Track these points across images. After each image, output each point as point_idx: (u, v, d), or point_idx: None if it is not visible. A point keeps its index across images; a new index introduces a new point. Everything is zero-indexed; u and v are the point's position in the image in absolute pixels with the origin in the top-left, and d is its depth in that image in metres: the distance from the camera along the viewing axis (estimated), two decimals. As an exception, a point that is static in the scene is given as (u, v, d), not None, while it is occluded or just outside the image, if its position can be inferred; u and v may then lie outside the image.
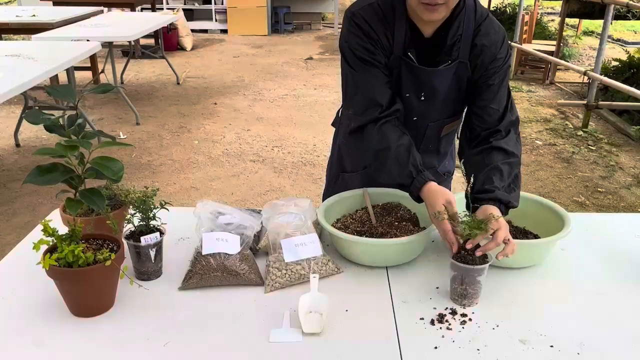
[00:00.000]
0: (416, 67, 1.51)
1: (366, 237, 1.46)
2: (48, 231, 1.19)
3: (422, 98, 1.56)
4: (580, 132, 5.44)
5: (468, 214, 1.35)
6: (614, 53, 8.41)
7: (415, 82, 1.53)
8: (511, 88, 5.63)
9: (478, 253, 1.29)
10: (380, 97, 1.50)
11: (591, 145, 5.13)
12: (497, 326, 1.23)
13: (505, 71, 1.56)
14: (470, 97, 1.58)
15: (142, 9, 8.87)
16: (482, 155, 1.51)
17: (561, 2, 7.55)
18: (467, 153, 1.57)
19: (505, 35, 1.57)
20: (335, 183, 1.85)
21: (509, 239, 1.32)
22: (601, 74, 5.51)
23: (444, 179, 1.85)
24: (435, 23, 1.47)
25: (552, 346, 1.17)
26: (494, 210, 1.36)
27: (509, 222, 1.59)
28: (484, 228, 1.28)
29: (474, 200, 1.43)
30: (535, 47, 7.34)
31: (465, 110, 1.64)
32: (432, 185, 1.42)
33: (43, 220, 1.21)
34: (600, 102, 5.58)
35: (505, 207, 1.42)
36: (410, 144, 1.48)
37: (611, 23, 5.49)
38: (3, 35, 6.17)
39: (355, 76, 1.53)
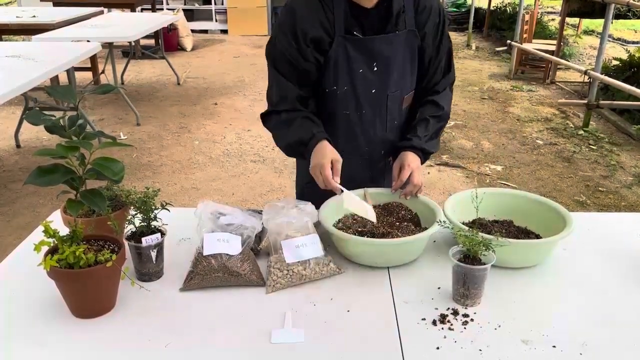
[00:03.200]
0: (362, 39, 1.55)
1: (367, 237, 1.46)
2: (49, 232, 1.18)
3: (375, 69, 1.59)
4: (581, 132, 5.43)
5: (469, 229, 1.35)
6: (615, 52, 8.40)
7: (365, 54, 1.57)
8: (511, 87, 5.61)
9: (402, 196, 1.60)
10: (294, 100, 1.60)
11: (592, 145, 5.13)
12: (499, 326, 1.22)
13: (446, 37, 1.67)
14: (419, 65, 1.67)
15: (142, 10, 8.86)
16: (418, 107, 1.71)
17: (561, 1, 7.54)
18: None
19: (440, 2, 1.68)
20: (302, 197, 1.84)
21: (413, 179, 1.56)
22: (602, 73, 5.51)
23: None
24: None
25: (554, 346, 1.16)
26: (409, 157, 1.60)
27: (510, 222, 1.60)
28: (485, 245, 1.28)
29: (397, 148, 1.66)
30: (535, 46, 7.34)
31: None
32: (326, 143, 1.55)
33: (44, 222, 1.21)
34: (601, 102, 5.57)
35: (422, 153, 1.64)
36: (317, 120, 1.61)
37: (612, 22, 5.48)
38: (3, 36, 6.16)
39: (273, 71, 1.61)
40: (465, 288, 1.28)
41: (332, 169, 1.50)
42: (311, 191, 1.64)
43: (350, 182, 1.57)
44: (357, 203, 1.48)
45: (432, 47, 1.64)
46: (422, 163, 1.66)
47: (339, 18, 1.52)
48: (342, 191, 1.49)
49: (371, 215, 1.46)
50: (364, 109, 1.64)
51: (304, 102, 1.62)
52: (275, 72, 1.60)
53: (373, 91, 1.62)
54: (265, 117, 1.69)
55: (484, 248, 1.28)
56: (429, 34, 1.62)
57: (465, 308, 1.28)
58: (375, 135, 1.69)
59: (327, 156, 1.51)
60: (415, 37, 1.60)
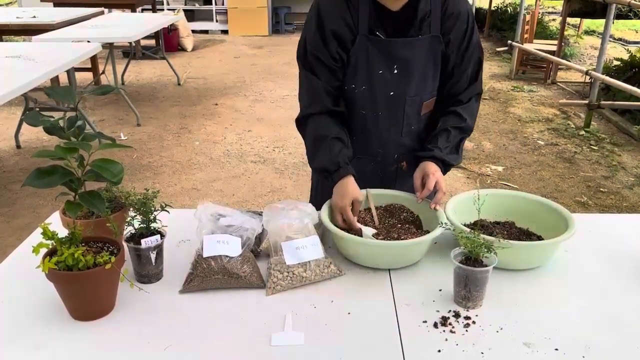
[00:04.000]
0: (384, 41, 1.54)
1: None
2: (48, 234, 1.18)
3: (395, 71, 1.58)
4: (582, 132, 5.42)
5: (471, 230, 1.34)
6: (616, 52, 8.39)
7: (386, 56, 1.56)
8: (512, 87, 5.59)
9: (433, 206, 1.51)
10: (324, 97, 1.59)
11: (593, 145, 5.12)
12: (501, 329, 1.22)
13: (475, 45, 1.61)
14: (442, 71, 1.63)
15: (142, 10, 8.86)
16: (440, 117, 1.66)
17: (562, 1, 7.53)
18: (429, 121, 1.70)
19: (470, 9, 1.63)
20: (316, 189, 1.85)
21: (441, 187, 1.51)
22: (603, 74, 5.50)
23: None
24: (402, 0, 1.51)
25: (556, 349, 1.15)
26: (432, 167, 1.55)
27: (512, 224, 1.59)
28: (487, 247, 1.27)
29: (417, 158, 1.62)
30: (536, 46, 7.33)
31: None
32: (350, 180, 1.54)
33: (42, 224, 1.20)
34: (602, 102, 5.57)
35: (443, 164, 1.58)
36: (347, 140, 1.59)
37: (613, 22, 5.47)
38: (3, 37, 6.16)
39: (303, 70, 1.62)
40: (467, 290, 1.27)
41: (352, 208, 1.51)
42: (325, 184, 1.64)
43: (361, 182, 1.57)
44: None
45: (456, 54, 1.59)
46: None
47: (363, 17, 1.52)
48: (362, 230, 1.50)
49: (373, 229, 1.50)
50: (380, 110, 1.63)
51: (335, 101, 1.61)
52: (306, 71, 1.60)
53: (391, 94, 1.61)
54: (298, 123, 1.67)
55: (485, 250, 1.27)
56: (454, 41, 1.57)
57: (467, 310, 1.27)
58: (389, 137, 1.68)
59: (347, 197, 1.50)
60: (439, 43, 1.56)
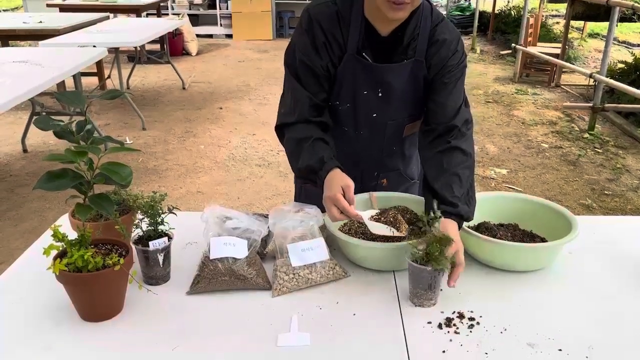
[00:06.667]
0: (371, 65, 1.53)
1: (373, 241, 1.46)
2: (58, 236, 1.19)
3: (380, 94, 1.57)
4: (586, 135, 5.42)
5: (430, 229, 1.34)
6: (620, 55, 8.38)
7: (372, 79, 1.55)
8: (516, 90, 5.64)
9: (451, 284, 1.30)
10: (306, 108, 1.54)
11: (597, 148, 5.11)
12: (505, 330, 1.23)
13: (461, 70, 1.57)
14: (427, 95, 1.58)
15: (147, 15, 8.92)
16: (442, 156, 1.51)
17: (566, 4, 7.54)
18: (426, 153, 1.57)
19: (460, 37, 1.60)
20: (299, 196, 1.84)
21: (461, 262, 1.32)
22: (607, 77, 5.50)
23: (412, 184, 1.82)
24: (395, 22, 1.48)
25: (560, 350, 1.16)
26: (452, 226, 1.37)
27: (516, 226, 1.60)
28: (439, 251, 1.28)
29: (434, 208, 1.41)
30: (540, 49, 7.33)
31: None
32: (337, 171, 1.45)
33: (53, 226, 1.22)
34: (607, 105, 5.57)
35: (464, 220, 1.43)
36: (330, 142, 1.53)
37: (616, 25, 5.48)
38: (10, 42, 6.21)
39: (290, 78, 1.57)
40: (416, 287, 1.29)
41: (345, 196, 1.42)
42: (309, 192, 1.63)
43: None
44: (380, 228, 1.46)
45: (440, 76, 1.53)
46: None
47: (353, 36, 1.51)
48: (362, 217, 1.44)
49: (398, 233, 1.44)
50: (362, 130, 1.63)
51: (319, 110, 1.56)
52: (292, 79, 1.56)
53: (374, 115, 1.60)
54: (278, 132, 1.63)
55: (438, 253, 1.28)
56: (437, 63, 1.53)
57: (424, 307, 1.30)
58: (370, 156, 1.68)
59: (335, 185, 1.41)
60: (421, 68, 1.54)
